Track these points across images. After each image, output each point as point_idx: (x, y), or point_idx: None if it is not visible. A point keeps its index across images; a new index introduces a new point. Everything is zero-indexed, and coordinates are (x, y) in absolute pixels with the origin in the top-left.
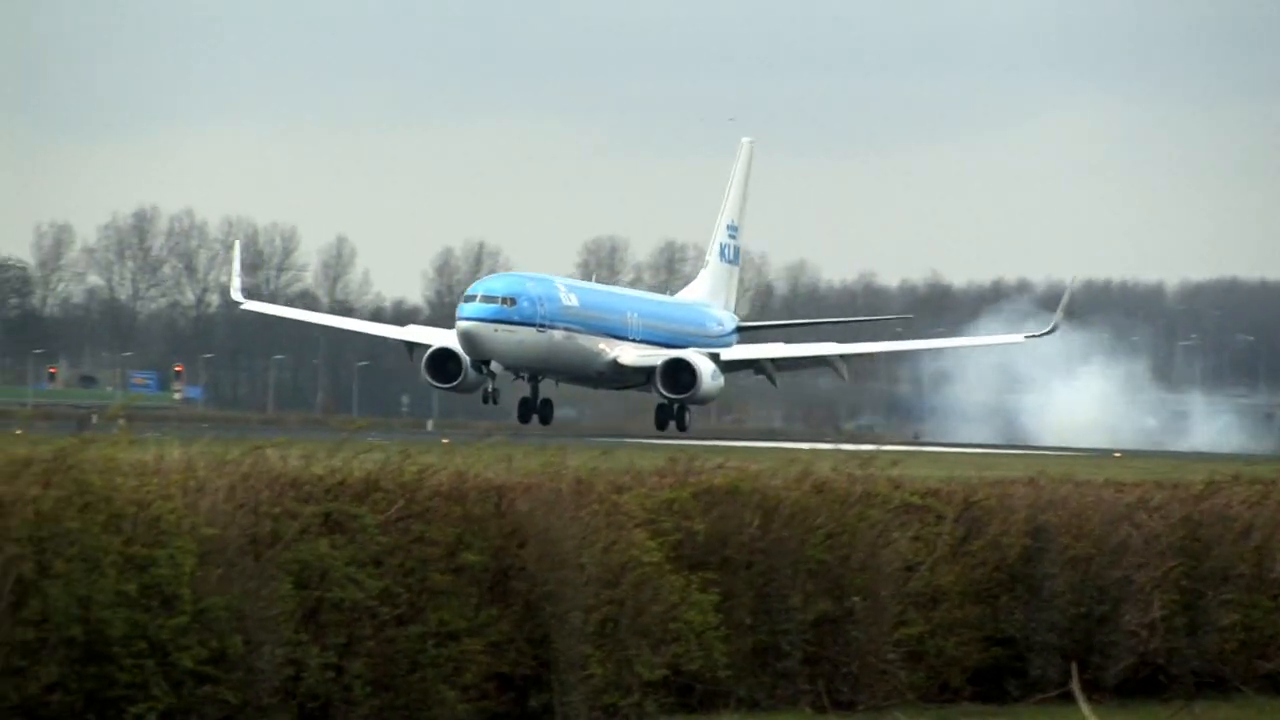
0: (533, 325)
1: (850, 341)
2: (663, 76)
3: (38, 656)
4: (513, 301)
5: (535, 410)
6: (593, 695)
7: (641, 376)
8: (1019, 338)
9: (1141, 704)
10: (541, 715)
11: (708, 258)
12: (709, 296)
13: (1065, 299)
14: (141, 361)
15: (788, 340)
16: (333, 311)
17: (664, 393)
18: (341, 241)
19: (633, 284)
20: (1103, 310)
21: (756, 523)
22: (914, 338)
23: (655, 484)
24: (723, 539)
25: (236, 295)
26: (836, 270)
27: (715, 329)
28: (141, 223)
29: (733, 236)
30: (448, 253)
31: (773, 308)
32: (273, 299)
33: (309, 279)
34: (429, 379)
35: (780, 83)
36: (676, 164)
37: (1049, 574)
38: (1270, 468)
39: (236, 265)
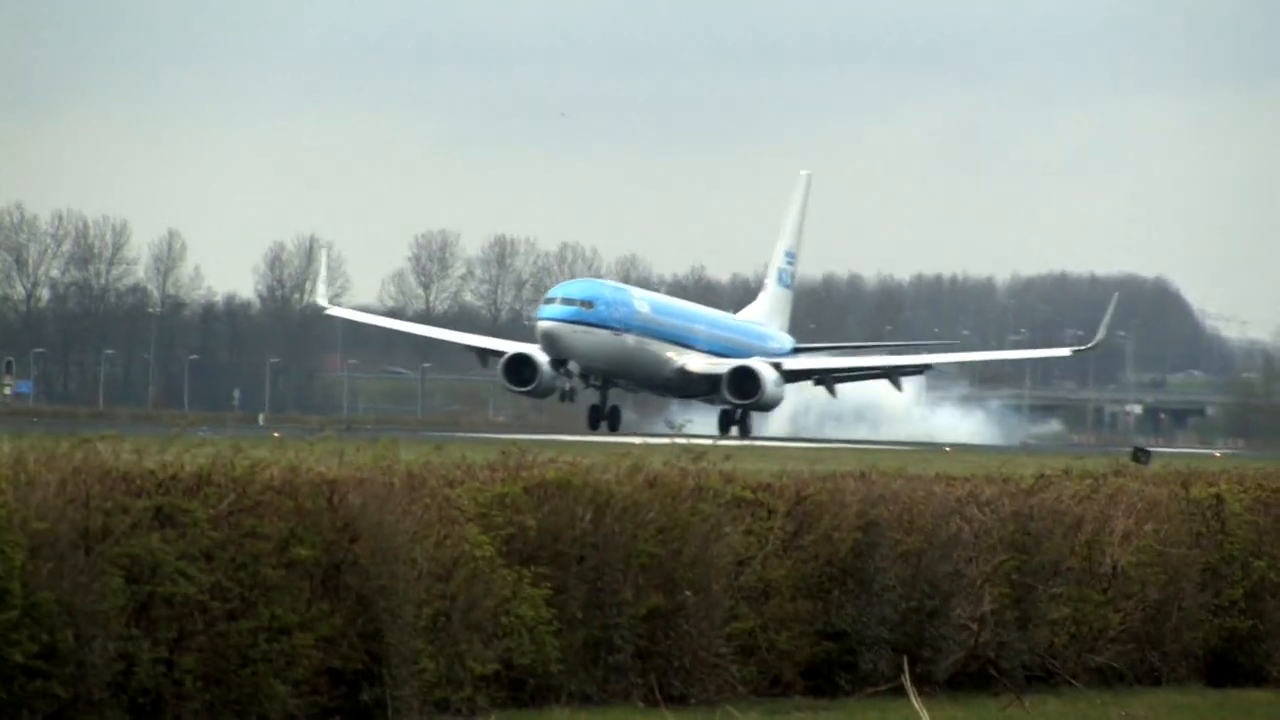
0: (608, 328)
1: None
2: (495, 73)
3: None
4: (590, 305)
5: (604, 417)
6: (424, 690)
7: (707, 385)
8: (1065, 351)
9: (972, 697)
10: (373, 710)
11: (766, 281)
12: (766, 318)
13: (1110, 311)
14: None
15: None
16: (164, 305)
17: (730, 398)
18: (172, 235)
19: (462, 278)
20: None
21: (588, 517)
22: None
23: (487, 478)
24: (554, 533)
25: (322, 300)
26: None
27: (774, 346)
28: None
29: (790, 263)
30: (279, 247)
31: None
32: (104, 294)
33: (140, 273)
34: (505, 383)
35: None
36: (508, 159)
37: (880, 568)
38: (1100, 462)
39: (323, 273)
